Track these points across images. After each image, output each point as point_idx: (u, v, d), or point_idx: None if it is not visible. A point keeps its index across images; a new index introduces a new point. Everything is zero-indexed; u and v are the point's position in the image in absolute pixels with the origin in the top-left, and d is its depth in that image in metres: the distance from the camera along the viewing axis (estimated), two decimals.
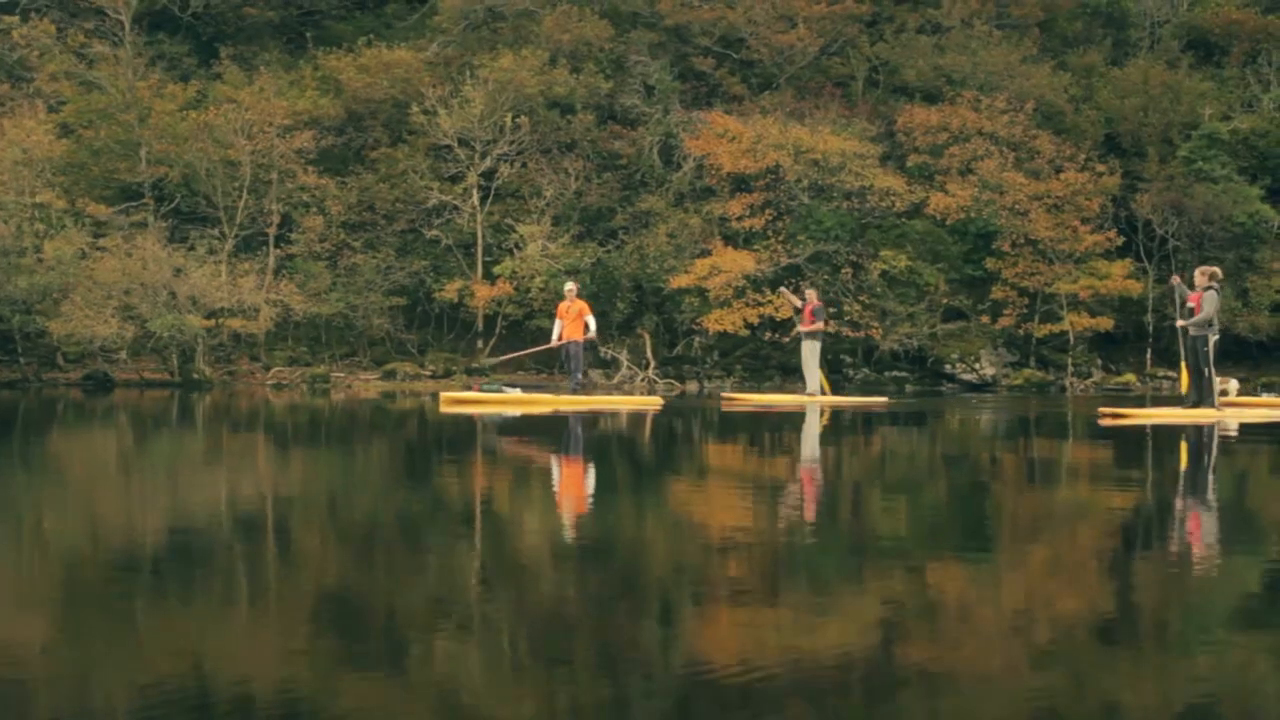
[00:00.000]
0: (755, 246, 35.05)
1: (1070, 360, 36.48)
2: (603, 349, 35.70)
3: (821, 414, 20.79)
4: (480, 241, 36.06)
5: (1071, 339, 36.29)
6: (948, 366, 35.94)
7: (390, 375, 35.09)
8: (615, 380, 34.62)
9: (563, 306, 23.66)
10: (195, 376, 33.09)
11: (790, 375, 35.84)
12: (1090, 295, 35.67)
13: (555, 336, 23.72)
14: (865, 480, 11.29)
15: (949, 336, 36.35)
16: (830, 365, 36.49)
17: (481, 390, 23.37)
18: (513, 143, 36.00)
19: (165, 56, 38.82)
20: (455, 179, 36.39)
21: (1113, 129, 39.24)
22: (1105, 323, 35.99)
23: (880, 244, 35.56)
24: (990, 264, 35.97)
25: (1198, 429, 17.11)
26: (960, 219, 35.65)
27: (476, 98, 35.62)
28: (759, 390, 30.91)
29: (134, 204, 35.10)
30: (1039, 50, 40.43)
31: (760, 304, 34.19)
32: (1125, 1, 43.10)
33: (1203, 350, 19.09)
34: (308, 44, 40.24)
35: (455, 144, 35.89)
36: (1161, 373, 36.25)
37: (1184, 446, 14.90)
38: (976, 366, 35.82)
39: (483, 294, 35.13)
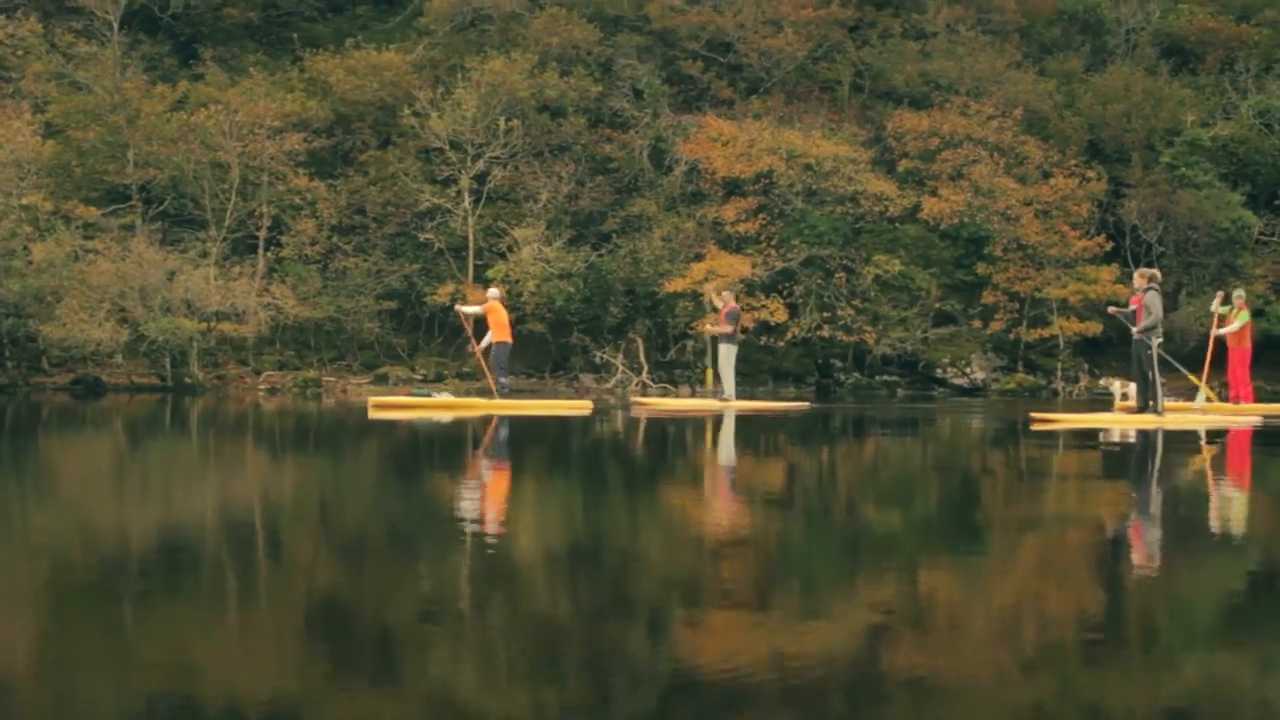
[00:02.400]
0: (748, 251, 35.07)
1: (1059, 365, 36.73)
2: (596, 353, 35.64)
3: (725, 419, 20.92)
4: (472, 245, 35.84)
5: (1061, 343, 36.53)
6: (939, 371, 36.10)
7: (382, 379, 34.80)
8: (610, 385, 34.53)
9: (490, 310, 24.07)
10: (187, 381, 32.66)
11: (780, 379, 35.94)
12: (1079, 300, 35.91)
13: (480, 338, 24.30)
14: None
15: (940, 341, 36.52)
16: (821, 369, 36.65)
17: (412, 394, 23.73)
18: (505, 146, 35.80)
19: (145, 57, 38.30)
20: (447, 182, 36.12)
21: (1096, 135, 39.55)
22: (1094, 327, 36.22)
23: (873, 248, 35.67)
24: (981, 269, 36.17)
25: (1144, 434, 17.03)
26: (953, 224, 35.83)
27: (468, 100, 35.39)
28: (755, 393, 30.91)
29: (122, 206, 34.58)
30: (1021, 56, 40.75)
31: (754, 308, 34.20)
32: (1101, 9, 43.47)
33: (1145, 354, 18.71)
34: (294, 45, 39.78)
35: (447, 147, 35.64)
36: None
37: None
38: (967, 371, 36.01)
39: (474, 298, 34.87)
